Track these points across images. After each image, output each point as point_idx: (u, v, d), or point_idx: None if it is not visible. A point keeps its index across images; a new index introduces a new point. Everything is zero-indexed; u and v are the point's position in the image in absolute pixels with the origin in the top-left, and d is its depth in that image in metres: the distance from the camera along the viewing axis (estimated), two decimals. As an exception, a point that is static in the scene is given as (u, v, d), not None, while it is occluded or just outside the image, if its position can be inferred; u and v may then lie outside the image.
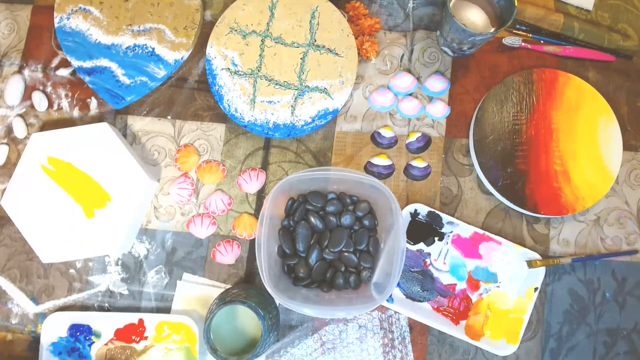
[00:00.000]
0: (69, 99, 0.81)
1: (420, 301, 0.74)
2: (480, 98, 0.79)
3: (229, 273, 0.76)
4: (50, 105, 0.81)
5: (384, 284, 0.67)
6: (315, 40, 0.77)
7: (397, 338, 0.74)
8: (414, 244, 0.76)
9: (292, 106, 0.76)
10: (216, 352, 0.64)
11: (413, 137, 0.78)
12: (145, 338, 0.73)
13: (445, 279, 0.75)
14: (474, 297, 0.74)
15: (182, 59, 0.80)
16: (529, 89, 0.77)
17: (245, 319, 0.68)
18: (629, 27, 0.83)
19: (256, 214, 0.77)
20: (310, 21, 0.77)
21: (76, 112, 0.81)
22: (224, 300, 0.66)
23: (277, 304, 0.72)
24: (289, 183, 0.69)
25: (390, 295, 0.73)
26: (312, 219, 0.73)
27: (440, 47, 0.82)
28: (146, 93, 0.80)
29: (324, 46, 0.77)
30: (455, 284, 0.75)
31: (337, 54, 0.77)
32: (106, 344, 0.73)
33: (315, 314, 0.68)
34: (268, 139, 0.80)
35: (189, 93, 0.81)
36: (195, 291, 0.75)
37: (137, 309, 0.75)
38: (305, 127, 0.76)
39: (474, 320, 0.74)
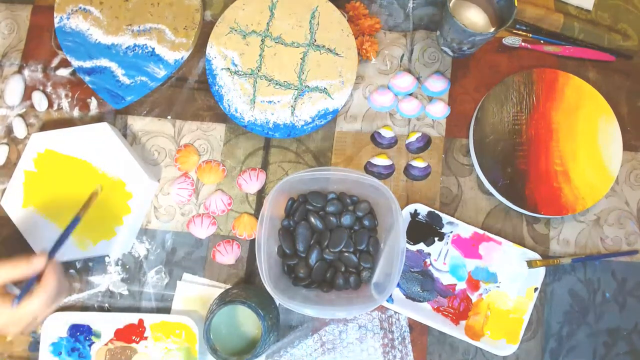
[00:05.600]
0: (69, 99, 0.81)
1: (420, 301, 0.74)
2: (480, 98, 0.79)
3: (229, 273, 0.76)
4: (50, 105, 0.81)
5: (384, 284, 0.67)
6: (315, 40, 0.77)
7: (397, 338, 0.74)
8: (414, 244, 0.76)
9: (292, 106, 0.76)
10: (216, 352, 0.64)
11: (413, 137, 0.78)
12: (145, 338, 0.73)
13: (445, 279, 0.75)
14: (474, 297, 0.74)
15: (182, 59, 0.80)
16: (529, 89, 0.77)
17: (245, 319, 0.68)
18: (629, 27, 0.83)
19: (256, 214, 0.77)
20: (310, 21, 0.77)
21: (76, 112, 0.81)
22: (224, 300, 0.66)
23: (277, 304, 0.72)
24: (289, 183, 0.69)
25: (390, 296, 0.73)
26: (312, 219, 0.73)
27: (440, 47, 0.82)
28: (146, 93, 0.80)
29: (324, 46, 0.77)
30: (455, 284, 0.75)
31: (337, 54, 0.77)
32: (106, 344, 0.73)
33: (315, 314, 0.68)
34: (268, 139, 0.80)
35: (189, 93, 0.81)
36: (195, 291, 0.75)
37: (137, 309, 0.75)
38: (305, 127, 0.76)
39: (474, 321, 0.74)
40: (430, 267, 0.75)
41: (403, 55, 0.82)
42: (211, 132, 0.80)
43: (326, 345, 0.74)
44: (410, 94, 0.80)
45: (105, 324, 0.73)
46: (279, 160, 0.79)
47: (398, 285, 0.74)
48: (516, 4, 0.71)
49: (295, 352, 0.74)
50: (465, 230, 0.75)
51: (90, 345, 0.73)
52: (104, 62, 0.79)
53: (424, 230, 0.75)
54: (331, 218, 0.73)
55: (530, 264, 0.73)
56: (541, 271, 0.73)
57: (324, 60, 0.77)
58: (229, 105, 0.77)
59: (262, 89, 0.77)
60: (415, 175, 0.78)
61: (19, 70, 0.82)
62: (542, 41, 0.82)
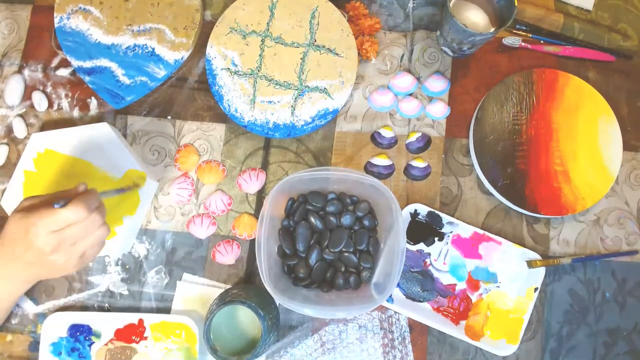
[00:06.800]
0: (69, 99, 0.81)
1: (420, 301, 0.74)
2: (480, 98, 0.79)
3: (229, 273, 0.76)
4: (50, 105, 0.81)
5: (384, 284, 0.67)
6: (315, 40, 0.77)
7: (397, 338, 0.74)
8: (414, 244, 0.76)
9: (292, 106, 0.76)
10: (216, 352, 0.64)
11: (413, 137, 0.78)
12: (145, 338, 0.73)
13: (445, 279, 0.75)
14: (474, 297, 0.74)
15: (182, 59, 0.80)
16: (529, 89, 0.77)
17: (245, 319, 0.68)
18: (629, 27, 0.83)
19: (256, 214, 0.77)
20: (310, 21, 0.77)
21: (76, 112, 0.81)
22: (224, 300, 0.66)
23: (277, 304, 0.72)
24: (289, 183, 0.69)
25: (390, 296, 0.73)
26: (312, 219, 0.73)
27: (440, 47, 0.82)
28: (146, 93, 0.80)
29: (324, 46, 0.77)
30: (455, 284, 0.75)
31: (337, 54, 0.77)
32: (106, 344, 0.73)
33: (315, 314, 0.68)
34: (268, 139, 0.80)
35: (189, 93, 0.81)
36: (195, 291, 0.75)
37: (137, 309, 0.75)
38: (305, 127, 0.76)
39: (474, 321, 0.74)
40: (430, 267, 0.75)
41: (403, 55, 0.82)
42: (211, 132, 0.80)
43: (326, 345, 0.74)
44: (410, 94, 0.80)
45: (105, 324, 0.73)
46: (279, 160, 0.79)
47: (398, 285, 0.74)
48: (516, 4, 0.71)
49: (295, 352, 0.74)
50: (465, 230, 0.75)
51: (90, 345, 0.73)
52: (104, 62, 0.79)
53: (424, 230, 0.75)
54: (331, 218, 0.73)
55: (530, 264, 0.73)
56: (541, 271, 0.73)
57: (324, 60, 0.77)
58: (229, 105, 0.77)
59: (262, 89, 0.77)
60: (415, 175, 0.78)
61: (19, 70, 0.82)
62: (542, 41, 0.82)
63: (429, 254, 0.76)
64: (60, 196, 0.58)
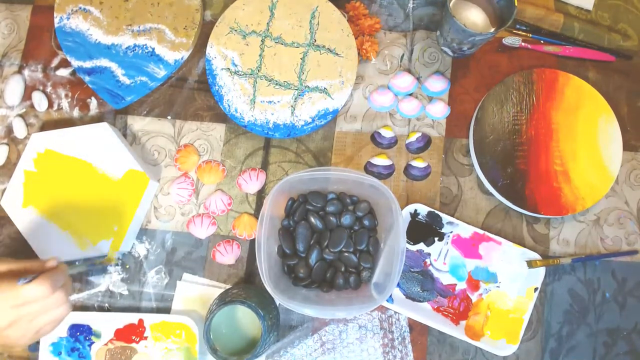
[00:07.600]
0: (69, 99, 0.81)
1: (420, 301, 0.74)
2: (480, 98, 0.79)
3: (229, 273, 0.76)
4: (50, 105, 0.81)
5: (384, 284, 0.67)
6: (315, 40, 0.77)
7: (397, 338, 0.74)
8: (414, 244, 0.76)
9: (292, 106, 0.76)
10: (216, 352, 0.64)
11: (413, 137, 0.78)
12: (145, 338, 0.73)
13: (445, 279, 0.75)
14: (474, 297, 0.74)
15: (182, 59, 0.80)
16: (529, 89, 0.77)
17: (245, 319, 0.68)
18: (629, 27, 0.83)
19: (256, 214, 0.77)
20: (310, 21, 0.77)
21: (76, 112, 0.81)
22: (224, 300, 0.66)
23: (277, 304, 0.72)
24: (289, 183, 0.69)
25: (390, 296, 0.73)
26: (312, 219, 0.73)
27: (440, 47, 0.82)
28: (146, 93, 0.80)
29: (324, 46, 0.77)
30: (455, 284, 0.75)
31: (337, 54, 0.77)
32: (106, 344, 0.73)
33: (315, 314, 0.68)
34: (268, 139, 0.80)
35: (189, 93, 0.81)
36: (195, 291, 0.75)
37: (137, 309, 0.75)
38: (305, 127, 0.76)
39: (474, 321, 0.74)
40: (430, 267, 0.75)
41: (403, 55, 0.82)
42: (211, 132, 0.80)
43: (326, 345, 0.74)
44: (410, 94, 0.80)
45: (105, 324, 0.73)
46: (279, 160, 0.79)
47: (398, 285, 0.74)
48: (516, 4, 0.71)
49: (295, 352, 0.74)
50: (465, 230, 0.75)
51: (90, 345, 0.73)
52: (104, 62, 0.79)
53: (424, 230, 0.75)
54: (331, 218, 0.73)
55: (530, 264, 0.73)
56: (541, 271, 0.73)
57: (324, 60, 0.77)
58: (229, 105, 0.77)
59: (262, 89, 0.77)
60: (415, 175, 0.78)
61: (19, 70, 0.82)
62: (542, 41, 0.82)
63: (429, 254, 0.76)
64: (27, 269, 0.57)
